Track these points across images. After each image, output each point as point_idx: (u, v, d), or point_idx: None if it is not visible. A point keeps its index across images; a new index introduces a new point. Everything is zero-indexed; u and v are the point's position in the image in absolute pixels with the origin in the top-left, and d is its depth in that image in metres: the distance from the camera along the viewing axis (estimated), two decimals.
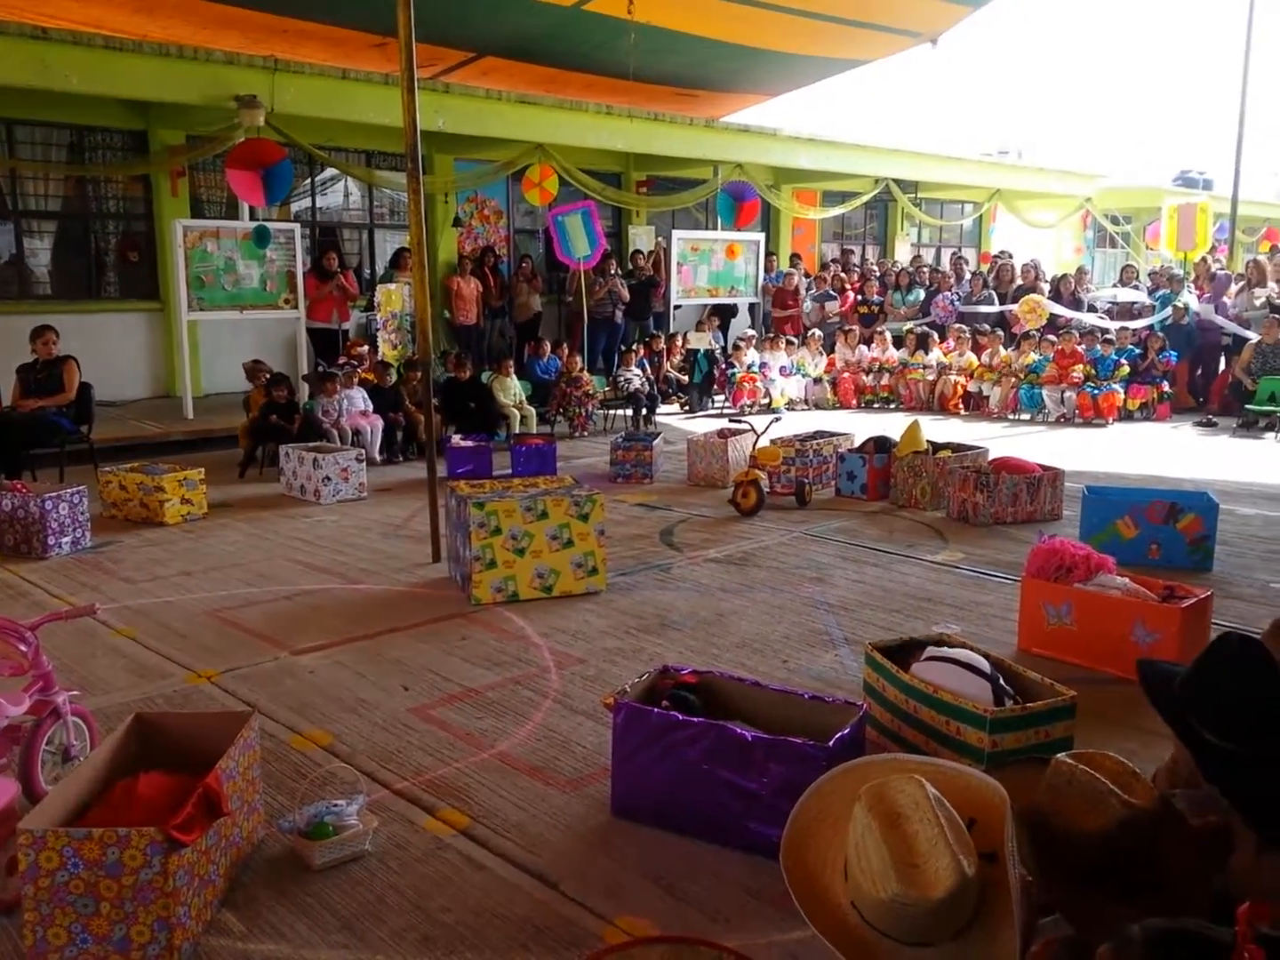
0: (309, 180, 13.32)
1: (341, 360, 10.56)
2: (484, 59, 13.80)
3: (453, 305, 12.91)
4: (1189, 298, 13.38)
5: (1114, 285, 15.79)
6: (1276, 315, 12.28)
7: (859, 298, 15.16)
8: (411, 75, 6.00)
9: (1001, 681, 3.69)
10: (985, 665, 3.71)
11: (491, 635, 5.03)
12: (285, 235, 11.31)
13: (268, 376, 9.42)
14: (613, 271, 13.48)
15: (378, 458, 9.46)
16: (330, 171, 13.36)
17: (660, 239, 15.07)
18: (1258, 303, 12.98)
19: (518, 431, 10.20)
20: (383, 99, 11.27)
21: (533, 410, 10.89)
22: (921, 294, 15.11)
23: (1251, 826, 1.82)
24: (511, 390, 10.74)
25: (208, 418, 10.79)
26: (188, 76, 10.70)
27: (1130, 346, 12.69)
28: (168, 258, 11.50)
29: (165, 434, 10.14)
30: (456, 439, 9.19)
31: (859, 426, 10.23)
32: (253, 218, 11.73)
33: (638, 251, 14.62)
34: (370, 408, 9.62)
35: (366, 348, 11.04)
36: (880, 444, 8.33)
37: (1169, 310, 13.22)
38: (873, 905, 1.90)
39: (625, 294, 13.60)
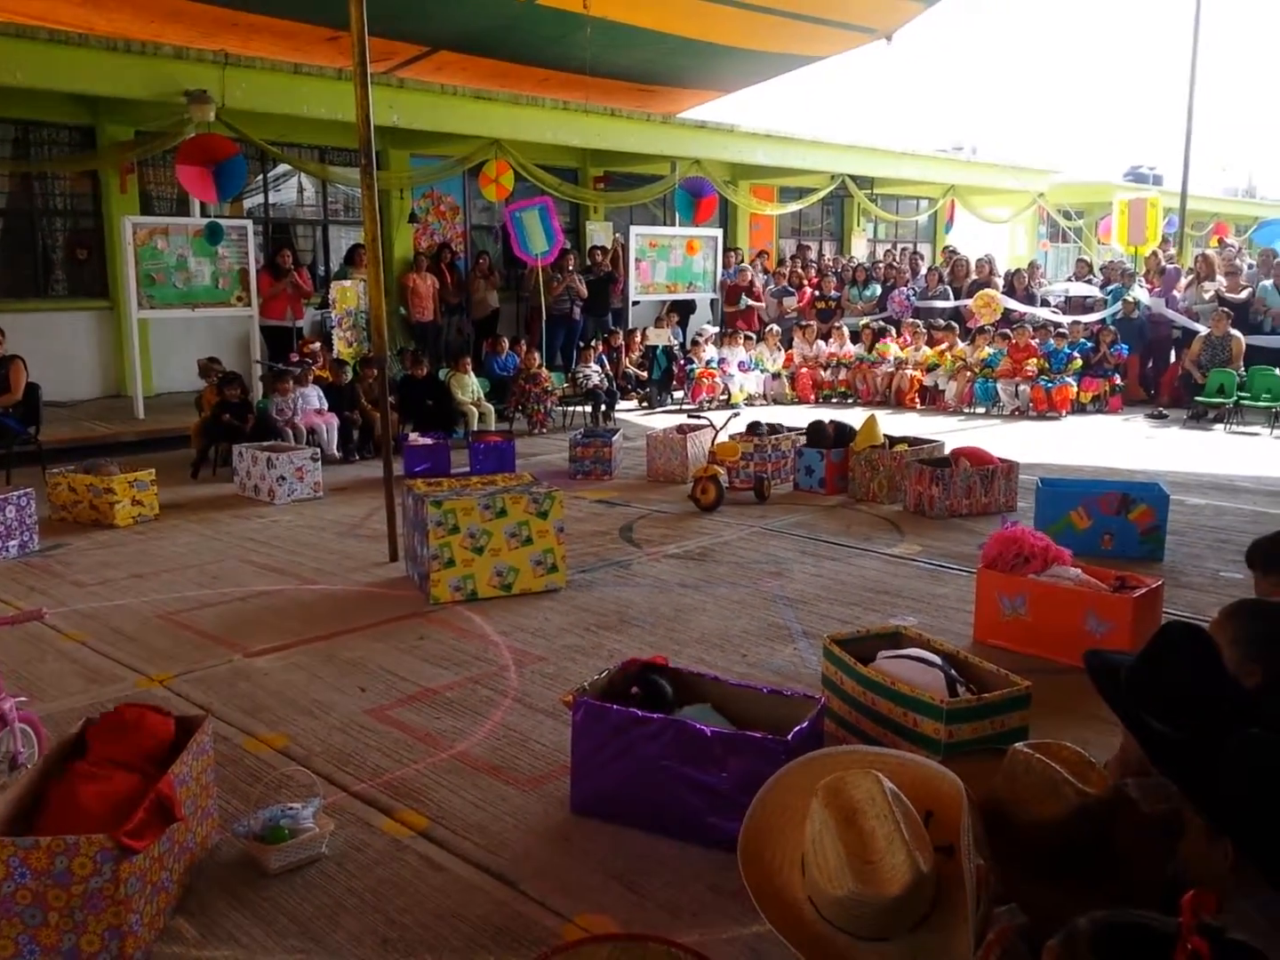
0: (261, 176, 13.14)
1: (294, 358, 10.43)
2: (438, 53, 13.70)
3: (409, 302, 12.81)
4: (1140, 292, 13.58)
5: (1066, 280, 15.99)
6: (1225, 309, 12.50)
7: (816, 293, 15.24)
8: (364, 70, 5.94)
9: (953, 671, 3.73)
10: (935, 658, 3.75)
11: (450, 634, 4.99)
12: (237, 232, 11.16)
13: (220, 375, 9.28)
14: (571, 268, 13.43)
15: (334, 456, 9.36)
16: (283, 167, 13.20)
17: (618, 235, 15.04)
18: (1206, 296, 13.20)
19: (476, 429, 10.15)
20: (336, 94, 11.15)
21: (491, 407, 10.84)
22: (878, 289, 15.22)
23: (1200, 813, 1.84)
24: (469, 387, 10.67)
25: (159, 417, 10.63)
26: (136, 71, 10.52)
27: (1083, 340, 12.86)
28: (117, 255, 11.30)
29: (116, 434, 9.97)
30: (414, 437, 9.12)
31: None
32: (204, 214, 11.55)
33: (596, 247, 14.58)
34: (325, 406, 9.52)
35: (318, 345, 10.93)
36: (816, 430, 8.42)
37: (1120, 304, 13.42)
38: (829, 901, 1.90)
39: (583, 290, 13.56)
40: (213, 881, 2.99)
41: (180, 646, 4.84)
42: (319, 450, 8.43)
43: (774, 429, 8.79)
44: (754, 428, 8.77)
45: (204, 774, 3.09)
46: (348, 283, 11.58)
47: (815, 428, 8.46)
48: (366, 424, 9.66)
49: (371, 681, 4.41)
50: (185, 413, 10.17)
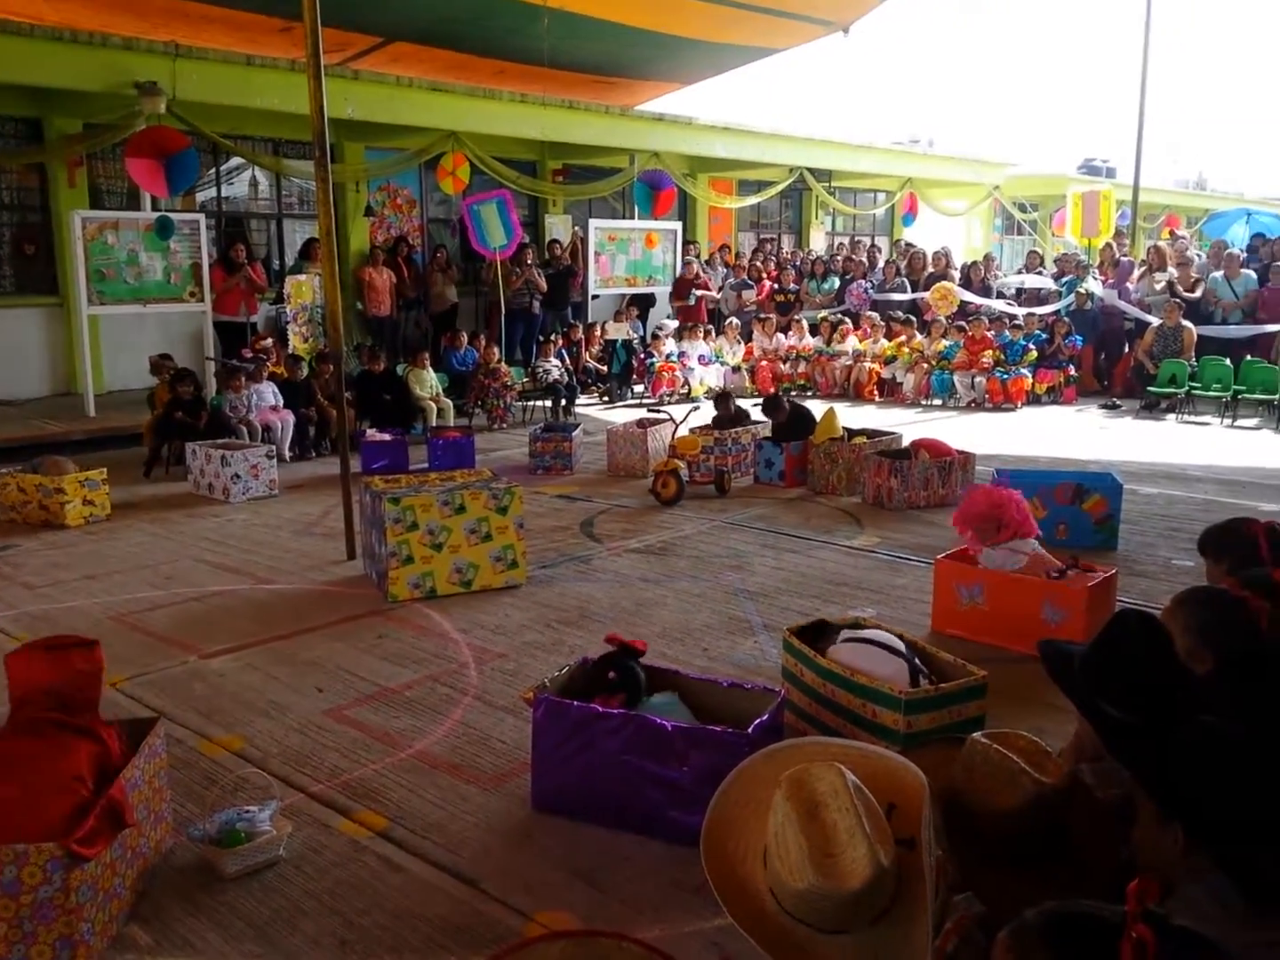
0: (214, 169, 12.95)
1: (247, 354, 10.30)
2: (393, 44, 13.54)
3: (365, 296, 12.68)
4: (1093, 283, 13.75)
5: (1018, 271, 16.15)
6: (1176, 300, 12.69)
7: (775, 286, 15.27)
8: (318, 61, 5.86)
9: (917, 661, 3.75)
10: (900, 645, 3.77)
11: (409, 632, 4.95)
12: (190, 226, 10.98)
13: (172, 372, 9.14)
14: (530, 261, 13.36)
15: (289, 454, 9.25)
16: (236, 160, 13.00)
17: (577, 228, 14.98)
18: (1158, 287, 13.39)
19: (435, 425, 10.07)
20: (289, 86, 11.00)
21: (450, 403, 10.76)
22: (836, 282, 15.29)
23: (1151, 798, 1.87)
24: (428, 383, 10.60)
25: (111, 415, 10.44)
26: (85, 62, 10.31)
27: (1037, 332, 13.01)
28: (66, 250, 11.08)
29: (66, 433, 9.78)
30: (371, 433, 9.04)
31: None
32: (155, 208, 11.36)
33: (555, 241, 14.52)
34: (281, 402, 9.41)
35: (270, 341, 10.79)
36: (771, 402, 8.65)
37: (1074, 296, 13.58)
38: (790, 894, 1.91)
39: (542, 284, 13.50)
40: (167, 887, 2.95)
41: (133, 648, 4.76)
42: (274, 447, 8.34)
43: (739, 413, 8.91)
44: (722, 397, 9.02)
45: (156, 777, 3.04)
46: (303, 277, 11.43)
47: (771, 400, 8.67)
48: (323, 420, 9.56)
49: (329, 681, 4.37)
50: (137, 410, 10.00)
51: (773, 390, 12.08)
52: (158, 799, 3.05)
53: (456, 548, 5.42)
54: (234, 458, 7.79)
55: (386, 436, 8.90)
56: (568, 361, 12.26)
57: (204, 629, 5.01)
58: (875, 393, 13.18)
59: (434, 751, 3.75)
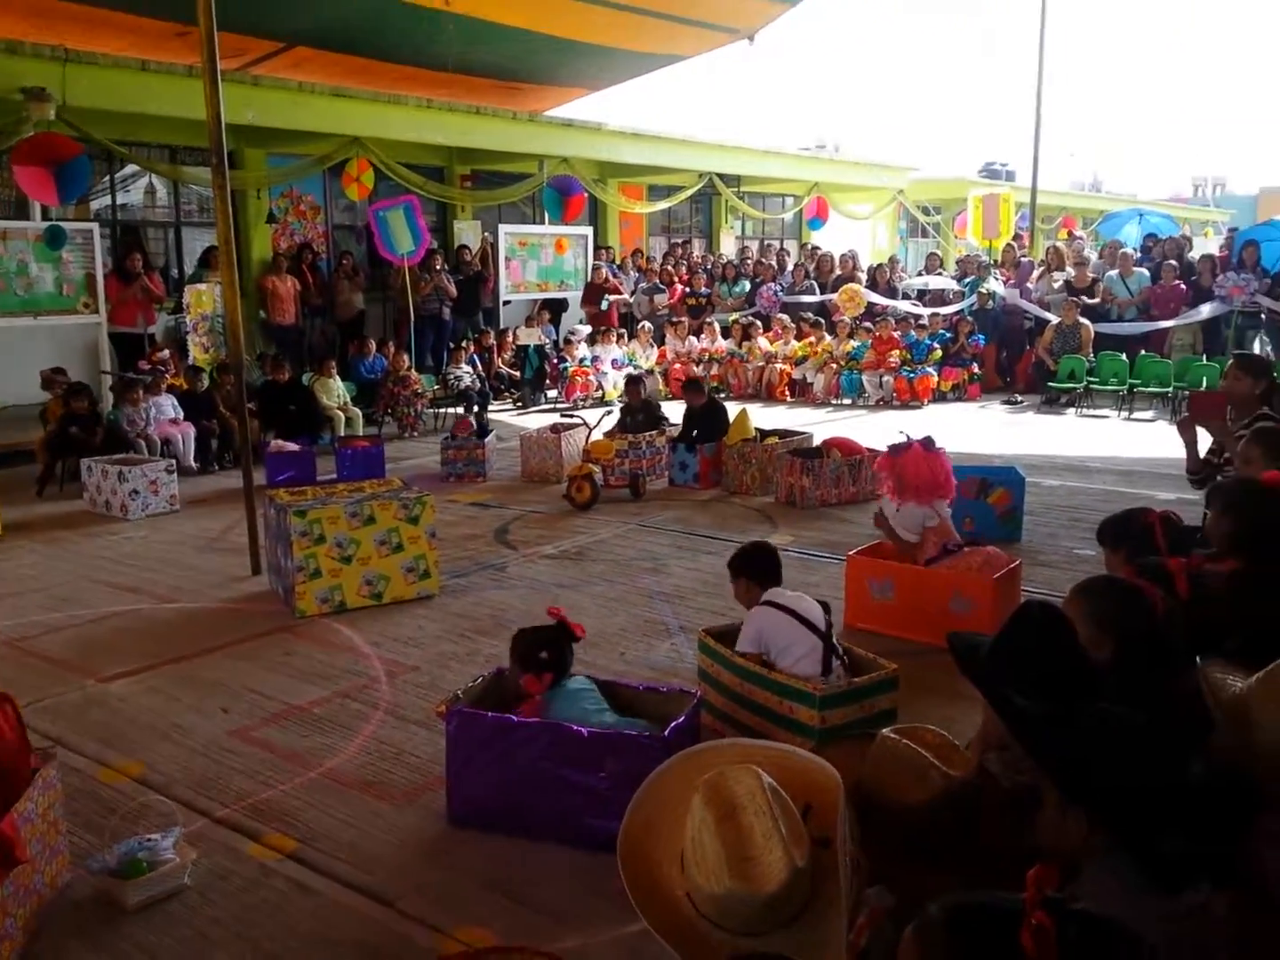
0: (109, 177, 12.52)
1: (144, 366, 9.98)
2: (295, 49, 13.27)
3: (269, 305, 12.39)
4: (995, 283, 14.11)
5: (919, 274, 16.50)
6: (1074, 298, 13.09)
7: (687, 290, 15.36)
8: (214, 67, 5.73)
9: (834, 639, 3.81)
10: (820, 622, 3.79)
11: (318, 648, 4.84)
12: (83, 235, 10.59)
13: (65, 386, 8.81)
14: (439, 267, 13.21)
15: (191, 467, 8.99)
16: (132, 167, 12.60)
17: (487, 234, 14.86)
18: (1057, 286, 13.80)
19: (343, 434, 9.88)
20: (186, 91, 10.67)
21: (359, 412, 10.58)
22: (747, 285, 15.43)
23: (1054, 784, 1.90)
24: (335, 392, 10.40)
25: (1, 432, 10.02)
26: None
27: (942, 331, 13.31)
28: None
29: None
30: (275, 444, 8.81)
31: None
32: (46, 217, 10.94)
33: (464, 247, 14.38)
34: (181, 415, 9.15)
35: (167, 352, 10.47)
36: (633, 380, 8.89)
37: (976, 296, 13.91)
38: (707, 899, 1.90)
39: (452, 290, 13.36)
40: (65, 924, 2.83)
41: (27, 675, 4.56)
42: (174, 462, 8.09)
43: (649, 403, 8.99)
44: (634, 380, 9.15)
45: (51, 809, 2.91)
46: (203, 286, 11.11)
47: (693, 382, 8.81)
48: (225, 432, 9.31)
49: (234, 702, 4.24)
50: (29, 427, 9.61)
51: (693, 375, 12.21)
52: (53, 832, 2.92)
53: (366, 560, 5.31)
54: (132, 473, 7.53)
55: (293, 447, 8.70)
56: (479, 367, 12.14)
57: (102, 652, 4.83)
58: (787, 393, 13.34)
59: (345, 769, 3.66)
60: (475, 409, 11.60)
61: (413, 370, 11.40)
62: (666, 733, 3.14)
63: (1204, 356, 12.35)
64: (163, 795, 3.43)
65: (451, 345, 12.68)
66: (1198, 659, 2.48)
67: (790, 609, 3.80)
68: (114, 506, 7.58)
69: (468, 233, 15.17)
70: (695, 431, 8.49)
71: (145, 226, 13.27)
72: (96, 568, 6.26)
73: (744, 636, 3.85)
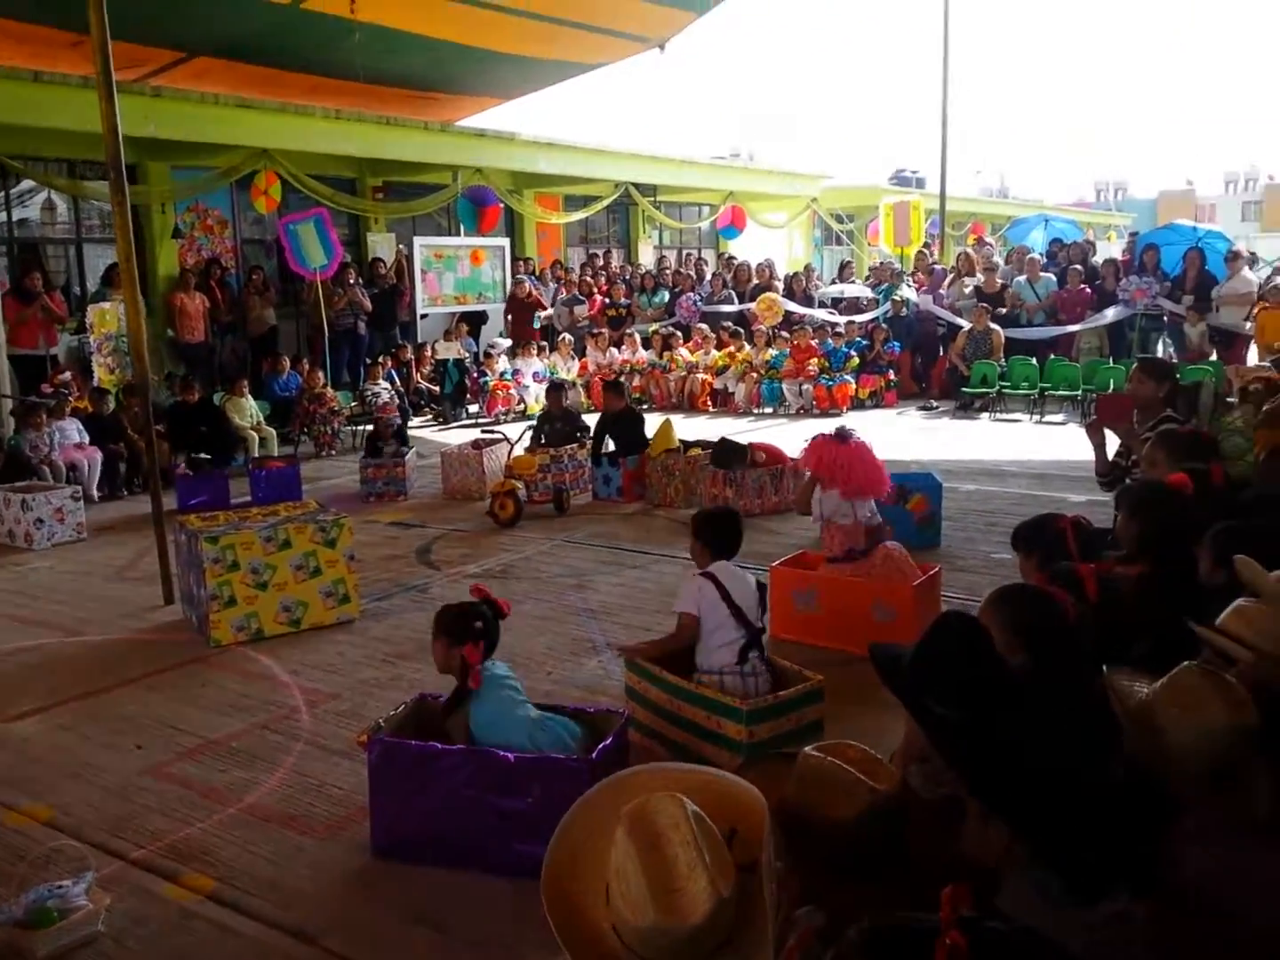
0: (3, 193, 12.09)
1: (47, 389, 9.64)
2: (196, 59, 12.96)
3: (177, 323, 12.06)
4: (908, 290, 14.38)
5: (832, 282, 16.75)
6: (984, 304, 13.40)
7: (607, 301, 15.36)
8: (109, 78, 5.57)
9: (763, 630, 3.95)
10: (753, 611, 3.89)
11: (234, 678, 4.71)
12: None
13: None
14: (352, 281, 13.01)
15: (98, 494, 8.70)
16: (29, 182, 12.19)
17: (402, 246, 14.69)
18: (968, 291, 14.11)
19: (256, 455, 9.66)
20: (82, 103, 10.34)
21: (273, 431, 10.36)
22: (666, 295, 15.49)
23: (974, 795, 1.92)
24: (248, 411, 10.17)
25: None
26: None
27: (858, 339, 13.50)
28: None
29: None
30: (184, 467, 8.57)
31: None
32: None
33: (378, 260, 14.18)
34: (87, 439, 8.85)
35: (69, 374, 10.14)
36: (555, 386, 9.13)
37: (890, 303, 14.16)
38: (632, 931, 1.87)
39: (367, 304, 13.16)
40: None
41: None
42: (81, 488, 7.83)
43: (569, 411, 9.10)
44: (556, 387, 9.31)
45: None
46: (106, 305, 10.77)
47: (614, 383, 8.95)
48: (133, 456, 9.03)
49: (148, 738, 4.10)
50: None
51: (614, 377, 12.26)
52: None
53: (283, 585, 5.18)
54: (36, 501, 7.26)
55: (204, 467, 8.47)
56: (398, 383, 11.98)
57: (6, 690, 4.64)
58: (709, 403, 13.41)
59: (265, 803, 3.57)
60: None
61: (328, 387, 11.21)
62: (595, 755, 3.12)
63: (1110, 359, 12.75)
64: (74, 839, 3.30)
65: (368, 361, 12.49)
66: (1104, 666, 2.53)
67: (727, 593, 3.81)
68: (18, 536, 7.30)
69: (382, 245, 14.98)
70: (610, 439, 8.48)
71: (44, 244, 12.84)
72: (0, 601, 6.01)
73: (686, 597, 3.87)
